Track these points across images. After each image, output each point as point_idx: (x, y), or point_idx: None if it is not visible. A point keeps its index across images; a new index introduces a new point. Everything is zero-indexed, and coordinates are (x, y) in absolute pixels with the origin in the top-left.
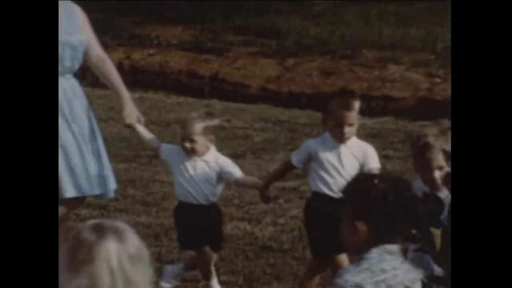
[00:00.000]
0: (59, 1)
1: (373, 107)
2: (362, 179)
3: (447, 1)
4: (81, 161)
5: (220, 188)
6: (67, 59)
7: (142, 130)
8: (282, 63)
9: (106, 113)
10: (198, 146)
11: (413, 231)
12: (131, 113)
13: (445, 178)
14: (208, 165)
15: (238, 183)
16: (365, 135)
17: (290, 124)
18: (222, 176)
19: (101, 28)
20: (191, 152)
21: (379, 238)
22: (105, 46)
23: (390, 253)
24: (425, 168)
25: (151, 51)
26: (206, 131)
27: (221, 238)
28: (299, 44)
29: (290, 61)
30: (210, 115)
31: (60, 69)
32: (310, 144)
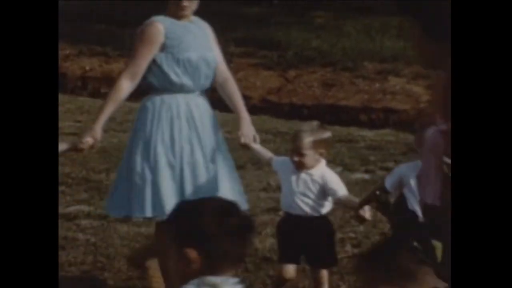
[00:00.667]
0: (193, 17)
1: (373, 119)
2: (189, 204)
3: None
4: (208, 181)
5: (328, 202)
6: (202, 76)
7: (257, 148)
8: (283, 74)
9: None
10: (307, 160)
11: (415, 244)
12: (248, 133)
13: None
14: (312, 178)
15: (339, 201)
16: (366, 147)
17: (291, 135)
18: (326, 192)
19: (103, 39)
20: (300, 166)
21: (209, 268)
22: (107, 57)
23: (210, 286)
24: None
25: None
26: (316, 145)
27: (332, 251)
28: (300, 56)
29: (291, 73)
30: (322, 127)
31: (193, 85)
32: (402, 168)
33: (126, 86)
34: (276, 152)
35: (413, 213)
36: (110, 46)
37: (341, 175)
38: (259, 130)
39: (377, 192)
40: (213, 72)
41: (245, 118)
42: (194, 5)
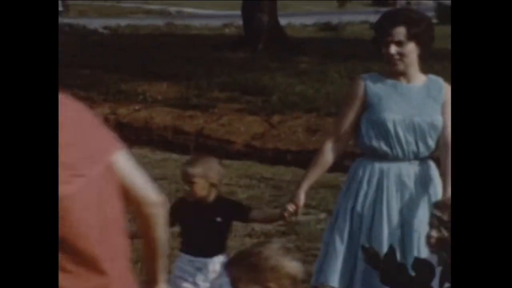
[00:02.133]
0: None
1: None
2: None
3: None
4: None
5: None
6: (407, 141)
7: None
8: (268, 120)
9: None
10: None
11: None
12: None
13: (439, 243)
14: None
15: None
16: None
17: (275, 181)
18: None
19: (87, 83)
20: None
21: None
22: (92, 101)
23: None
24: None
25: (137, 107)
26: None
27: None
28: (284, 101)
29: (276, 118)
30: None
31: (391, 151)
32: None
33: (329, 148)
34: (261, 197)
35: (404, 266)
36: (95, 91)
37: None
38: (243, 175)
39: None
40: (432, 138)
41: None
42: (405, 61)
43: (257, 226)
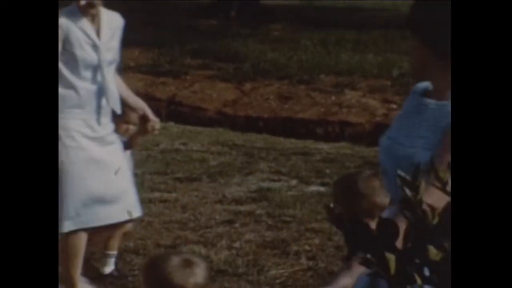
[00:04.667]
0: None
1: (329, 132)
2: None
3: (403, 29)
4: None
5: None
6: None
7: None
8: (239, 87)
9: None
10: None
11: (368, 256)
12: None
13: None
14: None
15: None
16: (322, 160)
17: (247, 148)
18: None
19: None
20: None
21: None
22: None
23: None
24: None
25: None
26: None
27: None
28: (256, 69)
29: (248, 85)
30: None
31: None
32: None
33: None
34: (232, 164)
35: (367, 226)
36: None
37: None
38: (214, 142)
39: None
40: None
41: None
42: None
43: (228, 194)
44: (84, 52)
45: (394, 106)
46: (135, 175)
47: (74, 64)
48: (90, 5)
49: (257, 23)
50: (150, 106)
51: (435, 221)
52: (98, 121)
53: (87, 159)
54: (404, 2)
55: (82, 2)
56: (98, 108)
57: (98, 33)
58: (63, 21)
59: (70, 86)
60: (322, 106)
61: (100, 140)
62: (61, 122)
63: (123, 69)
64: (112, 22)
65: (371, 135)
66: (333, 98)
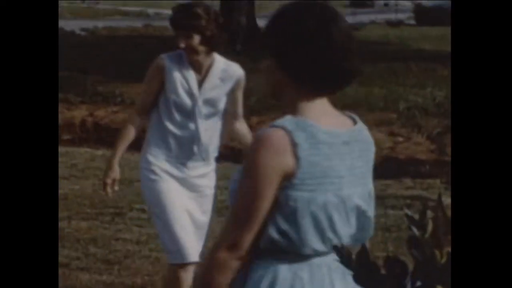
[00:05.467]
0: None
1: None
2: None
3: (409, 63)
4: None
5: None
6: None
7: None
8: (246, 121)
9: (68, 171)
10: None
11: None
12: None
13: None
14: None
15: None
16: None
17: None
18: None
19: (65, 85)
20: None
21: None
22: (69, 103)
23: None
24: None
25: (115, 109)
26: None
27: None
28: (263, 102)
29: (254, 119)
30: None
31: None
32: None
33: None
34: None
35: (375, 265)
36: (72, 93)
37: None
38: (222, 177)
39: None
40: None
41: None
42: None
43: None
44: (178, 98)
45: (400, 139)
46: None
47: (168, 107)
48: (194, 51)
49: (262, 56)
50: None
51: (443, 260)
52: (186, 164)
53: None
54: (410, 35)
55: (182, 45)
56: (188, 153)
57: (201, 82)
58: (165, 63)
59: (163, 127)
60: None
61: (184, 181)
62: (148, 156)
63: (129, 104)
64: (225, 72)
65: (378, 168)
66: None
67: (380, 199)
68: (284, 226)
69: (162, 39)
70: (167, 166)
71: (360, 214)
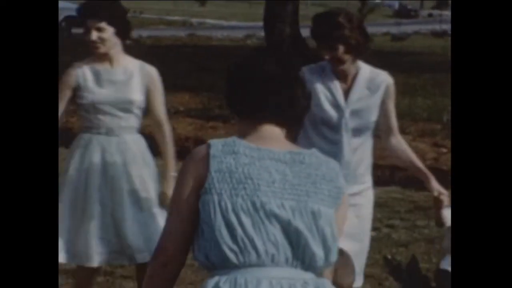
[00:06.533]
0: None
1: (380, 177)
2: None
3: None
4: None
5: None
6: None
7: None
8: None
9: None
10: None
11: None
12: None
13: None
14: None
15: None
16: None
17: None
18: None
19: None
20: None
21: None
22: None
23: None
24: None
25: None
26: None
27: None
28: None
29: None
30: None
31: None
32: None
33: None
34: None
35: (426, 278)
36: None
37: None
38: None
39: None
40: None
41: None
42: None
43: None
44: (323, 111)
45: (444, 150)
46: None
47: (313, 121)
48: (339, 62)
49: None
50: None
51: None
52: None
53: None
54: None
55: (326, 57)
56: None
57: (347, 92)
58: (305, 76)
59: (310, 141)
60: (373, 150)
61: None
62: None
63: (173, 114)
64: (372, 81)
65: (421, 179)
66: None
67: (423, 210)
68: (206, 235)
69: (206, 48)
70: None
71: (287, 227)
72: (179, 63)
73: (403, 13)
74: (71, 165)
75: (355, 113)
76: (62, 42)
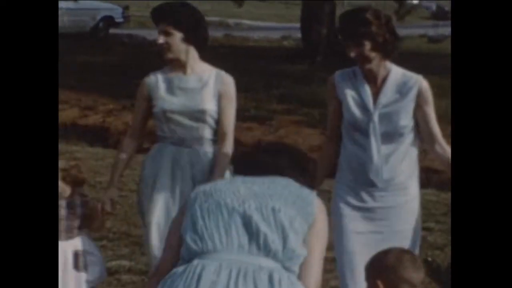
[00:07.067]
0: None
1: None
2: None
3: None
4: None
5: None
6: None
7: None
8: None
9: None
10: None
11: None
12: None
13: None
14: None
15: None
16: None
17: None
18: None
19: None
20: None
21: None
22: None
23: None
24: None
25: None
26: None
27: None
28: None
29: None
30: None
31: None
32: None
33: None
34: None
35: None
36: None
37: None
38: None
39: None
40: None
41: None
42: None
43: None
44: (351, 114)
45: None
46: None
47: (346, 126)
48: (365, 60)
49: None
50: (235, 151)
51: None
52: (370, 192)
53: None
54: None
55: (352, 54)
56: (368, 179)
57: (376, 95)
58: (335, 80)
59: (346, 149)
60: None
61: (367, 213)
62: (335, 184)
63: None
64: (404, 85)
65: None
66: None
67: None
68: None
69: (242, 49)
70: (347, 195)
71: (245, 219)
72: (215, 64)
73: (440, 15)
74: (143, 176)
75: (384, 116)
76: (99, 42)
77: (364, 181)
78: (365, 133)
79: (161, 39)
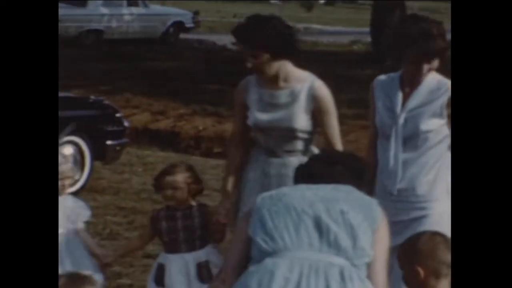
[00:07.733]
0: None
1: None
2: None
3: None
4: None
5: None
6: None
7: None
8: None
9: (220, 183)
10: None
11: None
12: None
13: None
14: None
15: None
16: None
17: None
18: None
19: (216, 99)
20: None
21: None
22: (220, 116)
23: None
24: None
25: None
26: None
27: None
28: None
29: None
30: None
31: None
32: None
33: None
34: None
35: None
36: (223, 106)
37: None
38: None
39: None
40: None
41: None
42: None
43: None
44: (380, 118)
45: None
46: None
47: (378, 132)
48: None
49: None
50: None
51: None
52: (399, 203)
53: None
54: None
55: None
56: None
57: (406, 98)
58: (374, 83)
59: (379, 155)
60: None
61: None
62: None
63: None
64: (437, 90)
65: None
66: None
67: None
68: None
69: (312, 53)
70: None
71: (315, 220)
72: None
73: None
74: (242, 180)
75: (409, 120)
76: (169, 47)
77: (382, 188)
78: (388, 136)
79: (250, 64)
